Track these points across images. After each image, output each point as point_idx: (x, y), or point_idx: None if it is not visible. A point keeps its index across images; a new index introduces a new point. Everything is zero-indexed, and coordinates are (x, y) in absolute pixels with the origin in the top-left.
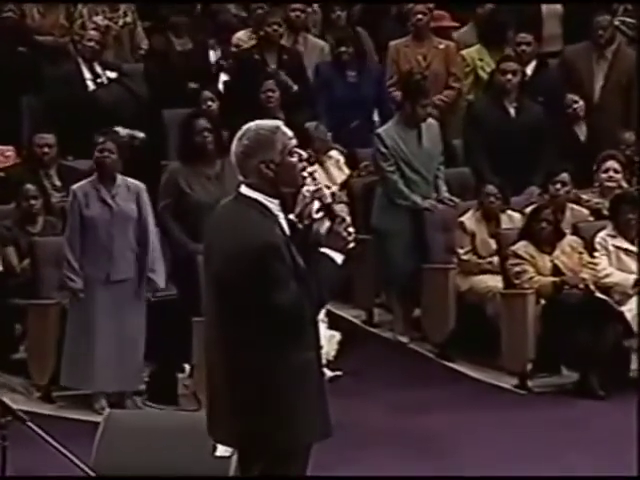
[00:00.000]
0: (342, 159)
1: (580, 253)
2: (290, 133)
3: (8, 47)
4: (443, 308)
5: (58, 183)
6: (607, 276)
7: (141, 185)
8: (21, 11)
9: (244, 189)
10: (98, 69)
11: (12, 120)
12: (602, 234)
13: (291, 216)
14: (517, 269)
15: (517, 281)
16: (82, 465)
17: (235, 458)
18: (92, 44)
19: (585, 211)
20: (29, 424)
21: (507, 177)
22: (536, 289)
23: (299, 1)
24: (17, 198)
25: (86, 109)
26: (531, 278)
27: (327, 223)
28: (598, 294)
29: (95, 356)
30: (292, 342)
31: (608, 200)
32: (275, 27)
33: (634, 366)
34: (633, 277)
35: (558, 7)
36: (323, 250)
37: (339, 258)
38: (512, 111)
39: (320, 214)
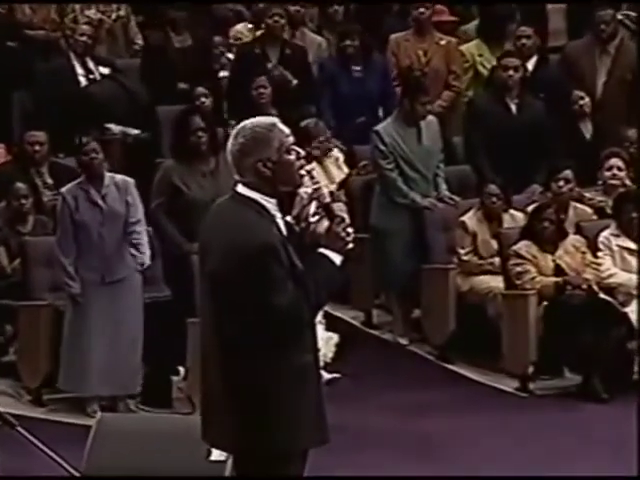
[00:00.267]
0: (341, 157)
1: (583, 253)
2: (287, 130)
3: None
4: (443, 309)
5: (50, 181)
6: (611, 276)
7: (129, 179)
8: (10, 6)
9: (241, 188)
10: (90, 64)
11: (2, 117)
12: (605, 233)
13: (288, 218)
14: (519, 269)
15: (519, 281)
16: (72, 470)
17: (230, 463)
18: (84, 38)
19: (588, 210)
20: (19, 429)
21: (509, 175)
22: (538, 290)
23: (300, 1)
24: (7, 197)
25: (78, 106)
26: (533, 278)
27: (325, 223)
28: (601, 295)
29: (93, 360)
30: (289, 345)
31: (612, 198)
32: (276, 18)
33: (637, 368)
34: (637, 277)
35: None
36: (321, 250)
37: (338, 259)
38: (513, 108)
39: (317, 217)
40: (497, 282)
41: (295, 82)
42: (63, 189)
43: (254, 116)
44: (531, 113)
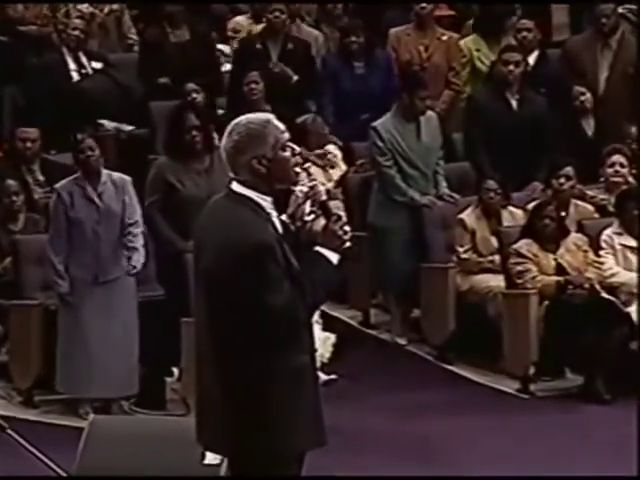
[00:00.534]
0: (339, 154)
1: (585, 251)
2: (282, 126)
3: None
4: (442, 309)
5: (41, 178)
6: (613, 275)
7: (127, 178)
8: (1, 2)
9: (235, 186)
10: (83, 59)
11: None
12: (608, 232)
13: (283, 217)
14: (519, 268)
15: (519, 281)
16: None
17: (225, 466)
18: (77, 33)
19: (590, 207)
20: (9, 432)
21: (509, 172)
22: (539, 289)
23: (300, 1)
24: None
25: (71, 101)
26: (534, 278)
27: (322, 221)
28: (604, 294)
29: (90, 361)
30: (285, 345)
31: (614, 196)
32: (277, 14)
33: None
34: (638, 276)
35: None
36: (318, 249)
37: (334, 257)
38: (514, 103)
39: (312, 216)
40: (497, 281)
41: (295, 78)
42: (58, 185)
43: (247, 112)
44: (532, 109)
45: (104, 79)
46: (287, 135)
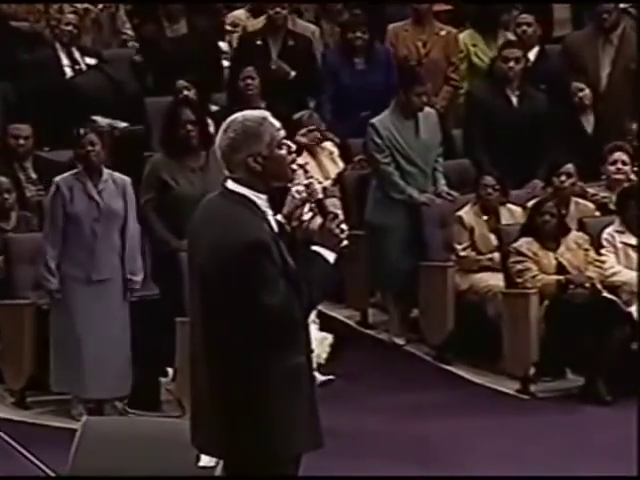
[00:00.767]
0: (336, 151)
1: (586, 250)
2: (278, 124)
3: None
4: (441, 308)
5: (34, 176)
6: (614, 274)
7: (127, 179)
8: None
9: (231, 184)
10: (76, 55)
11: None
12: (609, 230)
13: (279, 217)
14: (519, 267)
15: (519, 280)
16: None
17: (220, 469)
18: (70, 28)
19: (591, 206)
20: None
21: (509, 169)
22: (539, 288)
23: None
24: None
25: (64, 97)
26: (534, 277)
27: (319, 220)
28: (605, 294)
29: (84, 360)
30: (281, 345)
31: (615, 194)
32: (278, 9)
33: None
34: (638, 275)
35: None
36: (314, 248)
37: (331, 257)
38: (514, 100)
39: (309, 215)
40: (497, 280)
41: (293, 74)
42: (58, 178)
43: (243, 109)
44: (532, 105)
45: (98, 75)
46: (283, 133)
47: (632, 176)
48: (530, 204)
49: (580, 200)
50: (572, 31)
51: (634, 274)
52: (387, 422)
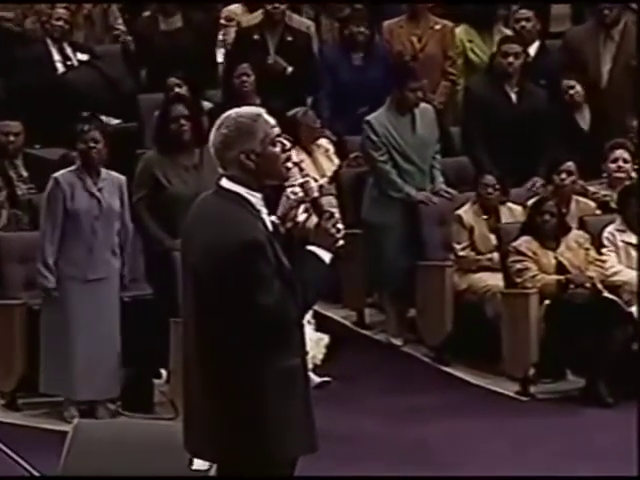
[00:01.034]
0: (332, 148)
1: (586, 249)
2: (272, 121)
3: None
4: (439, 308)
5: (24, 174)
6: (615, 274)
7: (122, 178)
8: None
9: (225, 182)
10: (68, 50)
11: None
12: (610, 229)
13: (273, 218)
14: (519, 266)
15: (519, 279)
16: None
17: (213, 472)
18: (61, 23)
19: (592, 204)
20: None
21: (508, 167)
22: (539, 288)
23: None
24: None
25: (55, 94)
26: (534, 276)
27: (314, 219)
28: (606, 293)
29: (75, 361)
30: (276, 346)
31: (617, 192)
32: (276, 5)
33: None
34: (638, 274)
35: None
36: (310, 248)
37: (327, 256)
38: (514, 96)
39: (305, 215)
40: (496, 280)
41: (290, 70)
42: (57, 174)
43: (238, 106)
44: (532, 102)
45: (90, 71)
46: (277, 130)
47: (633, 174)
48: (530, 203)
49: (581, 198)
50: (571, 27)
51: (635, 273)
52: (384, 424)
